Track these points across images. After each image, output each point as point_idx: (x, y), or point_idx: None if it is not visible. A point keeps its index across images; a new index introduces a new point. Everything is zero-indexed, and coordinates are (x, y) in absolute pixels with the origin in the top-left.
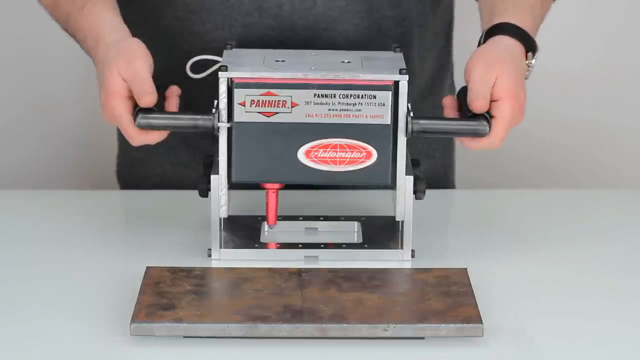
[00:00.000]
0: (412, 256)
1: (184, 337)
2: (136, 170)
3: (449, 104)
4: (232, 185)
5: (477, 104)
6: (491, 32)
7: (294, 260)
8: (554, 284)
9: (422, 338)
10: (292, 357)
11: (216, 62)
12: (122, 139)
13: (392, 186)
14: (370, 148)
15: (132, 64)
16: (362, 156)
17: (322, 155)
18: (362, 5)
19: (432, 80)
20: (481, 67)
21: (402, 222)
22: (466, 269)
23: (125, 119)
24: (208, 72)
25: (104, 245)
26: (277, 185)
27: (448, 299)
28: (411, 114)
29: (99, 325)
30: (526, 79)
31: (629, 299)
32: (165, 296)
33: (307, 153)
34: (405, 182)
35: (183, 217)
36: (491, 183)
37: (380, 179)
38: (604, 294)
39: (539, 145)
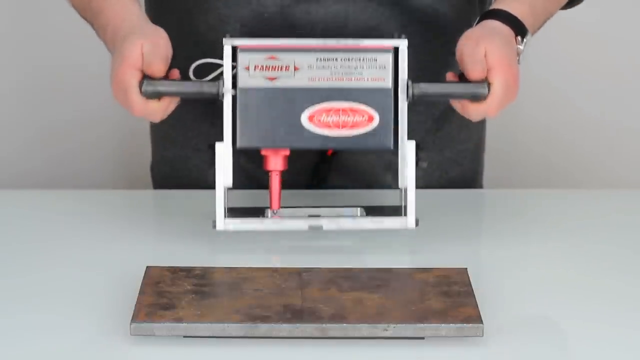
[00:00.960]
0: (417, 224)
1: (184, 337)
2: (167, 170)
3: (450, 77)
4: (234, 185)
5: (474, 71)
6: (482, 18)
7: (298, 231)
8: (554, 283)
9: (422, 338)
10: (292, 357)
11: (220, 66)
12: (155, 140)
13: (394, 153)
14: (372, 111)
15: (157, 43)
16: (364, 119)
17: (325, 120)
18: (394, 23)
19: None
20: (469, 45)
21: (405, 189)
22: (466, 269)
23: (132, 87)
24: (212, 76)
25: (104, 245)
26: (280, 166)
27: (448, 299)
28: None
29: (99, 325)
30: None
31: (630, 300)
32: (165, 296)
33: (311, 118)
34: (407, 147)
35: (184, 216)
36: (492, 183)
37: (382, 143)
38: (605, 294)
39: (540, 145)
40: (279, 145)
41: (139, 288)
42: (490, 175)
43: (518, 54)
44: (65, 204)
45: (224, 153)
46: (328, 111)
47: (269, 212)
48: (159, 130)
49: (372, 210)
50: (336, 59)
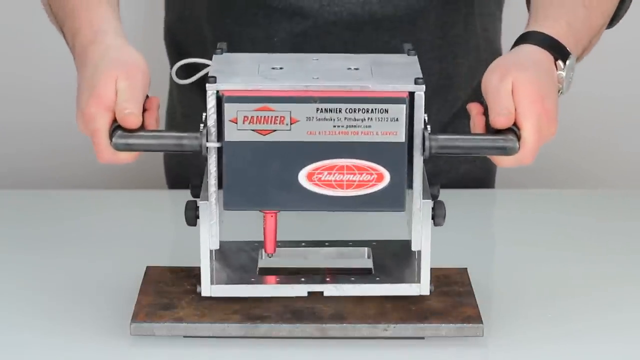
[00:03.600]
0: (431, 291)
1: (184, 337)
2: (178, 170)
3: (475, 110)
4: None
5: (499, 120)
6: (515, 44)
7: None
8: (554, 283)
9: (422, 338)
10: (292, 357)
11: (206, 66)
12: (169, 127)
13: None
14: (381, 169)
15: (133, 77)
16: (372, 179)
17: (326, 179)
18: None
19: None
20: (496, 77)
21: (419, 252)
22: (466, 269)
23: (102, 134)
24: (196, 78)
25: (104, 245)
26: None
27: (448, 299)
28: (428, 129)
29: (99, 325)
30: (561, 92)
31: (632, 301)
32: (165, 296)
33: (310, 176)
34: (422, 207)
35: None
36: (502, 183)
37: (393, 205)
38: (604, 294)
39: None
40: (273, 207)
41: (139, 288)
42: (501, 174)
43: (560, 82)
44: (65, 204)
45: (208, 213)
46: (330, 169)
47: (263, 254)
48: (173, 118)
49: (379, 249)
50: (340, 110)
